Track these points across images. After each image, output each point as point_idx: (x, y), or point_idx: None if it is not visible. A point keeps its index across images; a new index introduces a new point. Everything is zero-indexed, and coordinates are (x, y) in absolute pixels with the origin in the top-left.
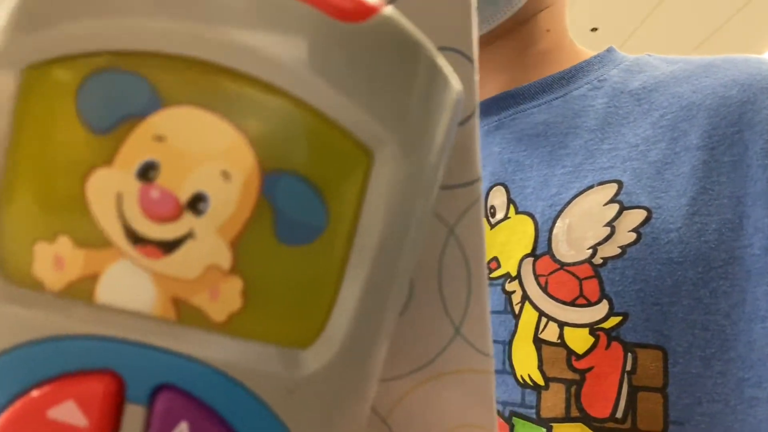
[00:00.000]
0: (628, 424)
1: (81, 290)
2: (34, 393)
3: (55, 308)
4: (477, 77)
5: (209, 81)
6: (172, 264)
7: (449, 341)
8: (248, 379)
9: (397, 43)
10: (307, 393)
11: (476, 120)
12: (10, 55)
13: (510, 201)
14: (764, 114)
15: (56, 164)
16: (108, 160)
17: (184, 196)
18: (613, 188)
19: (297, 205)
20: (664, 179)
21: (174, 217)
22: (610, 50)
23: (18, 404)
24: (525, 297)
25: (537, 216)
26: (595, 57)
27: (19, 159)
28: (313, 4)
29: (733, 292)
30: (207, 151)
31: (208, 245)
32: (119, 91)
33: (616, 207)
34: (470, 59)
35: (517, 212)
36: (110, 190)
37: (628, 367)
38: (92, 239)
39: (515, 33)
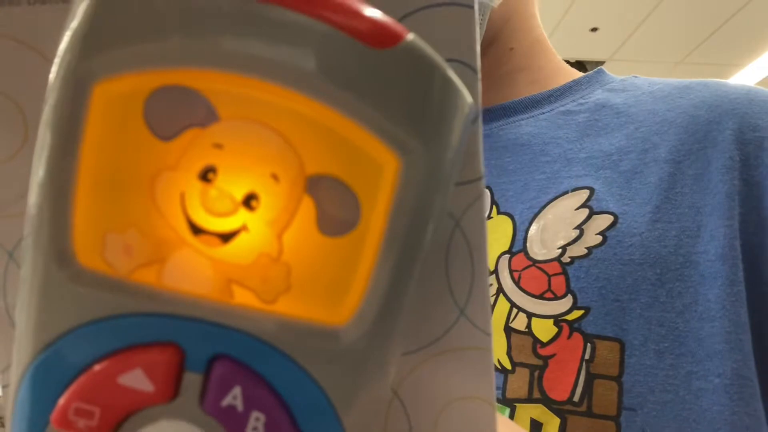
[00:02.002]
0: (583, 407)
1: (147, 274)
2: (106, 362)
3: (124, 289)
4: (480, 85)
5: (260, 97)
6: (229, 252)
7: (454, 321)
8: (293, 351)
9: (419, 65)
10: (343, 363)
11: (479, 123)
12: (82, 69)
13: (493, 202)
14: (727, 134)
15: (127, 167)
16: (173, 164)
17: (239, 194)
18: (585, 194)
19: (336, 203)
20: (632, 188)
21: (230, 212)
22: (599, 71)
23: (91, 371)
24: (500, 290)
25: (516, 217)
26: (584, 77)
27: (92, 162)
28: (349, 33)
29: (687, 293)
30: (259, 157)
31: (259, 236)
32: (182, 105)
33: (586, 212)
34: (474, 69)
35: (499, 212)
36: (175, 189)
37: (587, 356)
38: (158, 230)
39: (483, 57)
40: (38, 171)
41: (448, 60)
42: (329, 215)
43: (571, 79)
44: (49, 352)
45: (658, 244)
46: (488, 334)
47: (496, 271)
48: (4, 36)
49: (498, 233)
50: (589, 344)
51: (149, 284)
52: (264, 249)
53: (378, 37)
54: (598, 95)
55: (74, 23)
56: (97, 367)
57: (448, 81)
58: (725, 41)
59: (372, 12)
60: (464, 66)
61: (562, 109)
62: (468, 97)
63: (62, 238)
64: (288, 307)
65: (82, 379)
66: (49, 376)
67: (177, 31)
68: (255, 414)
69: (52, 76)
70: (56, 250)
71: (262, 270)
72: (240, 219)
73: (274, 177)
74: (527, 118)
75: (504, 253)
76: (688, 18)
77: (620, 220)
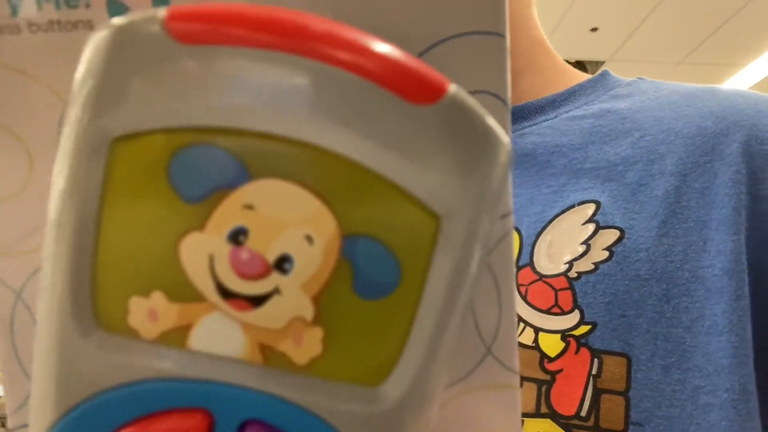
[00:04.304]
0: (591, 422)
1: (174, 338)
2: (131, 429)
3: (151, 353)
4: (509, 117)
5: (292, 155)
6: (261, 316)
7: (481, 359)
8: (328, 415)
9: (462, 120)
10: (380, 425)
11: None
12: (98, 126)
13: None
14: (734, 147)
15: (151, 229)
16: (200, 226)
17: (272, 257)
18: (591, 208)
19: (373, 265)
20: (638, 201)
21: (262, 275)
22: (604, 74)
23: None
24: None
25: (523, 231)
26: (588, 81)
27: (113, 223)
28: (390, 89)
29: (694, 308)
30: (292, 218)
31: (293, 300)
32: (210, 165)
33: (592, 227)
34: (505, 102)
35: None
36: (203, 251)
37: (594, 371)
38: (185, 294)
39: None
40: (55, 231)
41: (477, 91)
42: (367, 278)
43: (574, 83)
44: (70, 418)
45: (665, 259)
46: (515, 373)
47: None
48: (2, 66)
49: None
50: (596, 359)
51: (176, 348)
52: (297, 312)
53: (420, 92)
54: (603, 100)
55: (85, 73)
56: None
57: (489, 133)
58: (725, 41)
59: (413, 63)
60: (494, 98)
61: (566, 115)
62: (507, 144)
63: (83, 302)
64: (322, 370)
65: None
66: None
67: (202, 87)
68: None
69: (64, 132)
70: (76, 315)
71: (295, 333)
72: (272, 282)
73: (308, 238)
74: (530, 125)
75: None
76: (688, 18)
77: (627, 235)
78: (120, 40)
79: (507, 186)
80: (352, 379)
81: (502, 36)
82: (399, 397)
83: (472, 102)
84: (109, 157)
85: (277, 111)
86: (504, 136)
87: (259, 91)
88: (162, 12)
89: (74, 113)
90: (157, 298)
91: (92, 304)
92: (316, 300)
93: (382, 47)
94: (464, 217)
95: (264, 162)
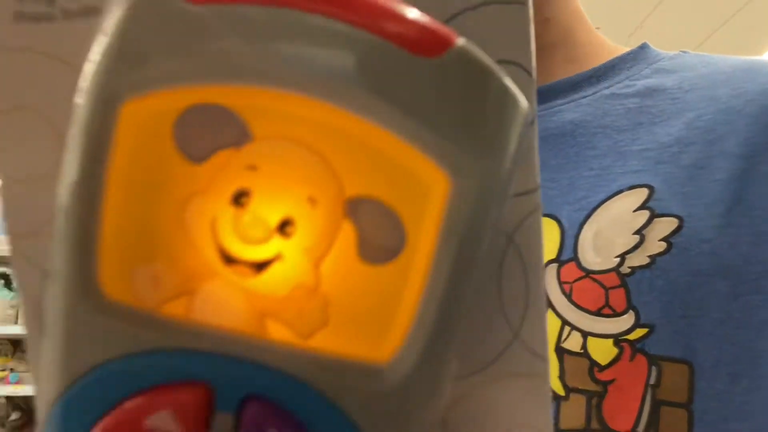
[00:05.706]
0: None
1: (177, 307)
2: (132, 403)
3: (152, 323)
4: (535, 88)
5: (296, 114)
6: (263, 283)
7: (507, 345)
8: (331, 391)
9: (471, 74)
10: (386, 404)
11: (535, 128)
12: (111, 88)
13: None
14: None
15: (155, 191)
16: (204, 188)
17: (274, 220)
18: (643, 193)
19: (378, 228)
20: (697, 185)
21: (264, 239)
22: (644, 47)
23: (117, 413)
24: (548, 304)
25: (563, 220)
26: (628, 54)
27: (119, 185)
28: (392, 40)
29: (765, 308)
30: (295, 179)
31: (295, 266)
32: (214, 124)
33: (646, 214)
34: (529, 72)
35: (542, 215)
36: (206, 215)
37: (652, 381)
38: (188, 260)
39: None
40: (63, 198)
41: (500, 61)
42: (371, 241)
43: (613, 56)
44: (76, 388)
45: (731, 251)
46: (544, 360)
47: None
48: (34, 51)
49: None
50: (654, 367)
51: (179, 318)
52: (300, 280)
53: (425, 43)
54: (646, 76)
55: (105, 38)
56: (123, 407)
57: (503, 88)
58: (725, 41)
59: (416, 15)
60: (518, 68)
61: (606, 92)
62: (524, 102)
63: (88, 268)
64: (326, 342)
65: (108, 419)
66: (76, 413)
67: (209, 45)
68: None
69: (79, 95)
70: (81, 282)
71: (298, 303)
72: (274, 247)
73: (311, 200)
74: (567, 102)
75: (551, 261)
76: (687, 18)
77: (686, 224)
78: (137, 8)
79: (529, 154)
80: (357, 354)
81: (523, 4)
82: (406, 374)
83: (483, 57)
84: (118, 118)
85: (278, 67)
86: (521, 96)
87: (262, 47)
88: None
89: (91, 74)
90: (160, 265)
91: (97, 270)
92: (320, 266)
93: (387, 2)
94: (476, 179)
95: (266, 121)
